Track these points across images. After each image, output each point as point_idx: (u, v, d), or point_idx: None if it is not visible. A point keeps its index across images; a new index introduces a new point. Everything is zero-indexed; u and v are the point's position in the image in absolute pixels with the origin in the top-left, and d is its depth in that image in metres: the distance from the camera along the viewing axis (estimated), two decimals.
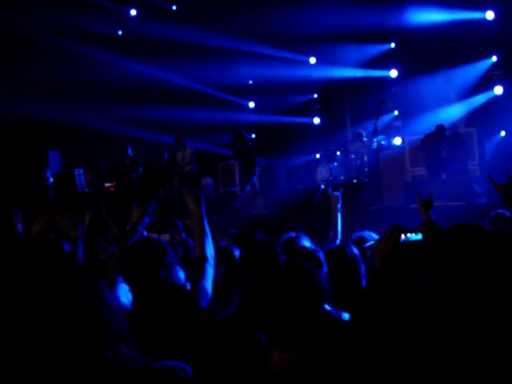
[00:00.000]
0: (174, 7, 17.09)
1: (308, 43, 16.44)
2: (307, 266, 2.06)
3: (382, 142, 13.88)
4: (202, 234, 3.55)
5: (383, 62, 16.47)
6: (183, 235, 8.04)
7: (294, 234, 4.72)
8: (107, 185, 16.70)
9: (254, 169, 13.62)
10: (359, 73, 16.48)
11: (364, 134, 14.38)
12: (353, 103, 17.31)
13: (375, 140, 12.79)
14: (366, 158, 13.56)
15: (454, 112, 14.02)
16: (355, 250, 3.95)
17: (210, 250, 3.52)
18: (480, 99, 14.12)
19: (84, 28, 16.59)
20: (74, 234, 3.71)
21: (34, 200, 14.26)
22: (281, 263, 3.09)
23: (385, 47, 16.57)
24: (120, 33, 18.28)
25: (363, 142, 14.04)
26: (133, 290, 3.03)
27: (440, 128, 11.62)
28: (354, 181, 13.27)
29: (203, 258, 3.46)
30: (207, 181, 16.79)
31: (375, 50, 16.51)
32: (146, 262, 3.05)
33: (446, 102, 14.58)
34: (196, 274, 3.43)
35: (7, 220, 4.56)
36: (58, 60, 16.35)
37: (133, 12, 17.36)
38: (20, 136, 16.92)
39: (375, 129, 12.03)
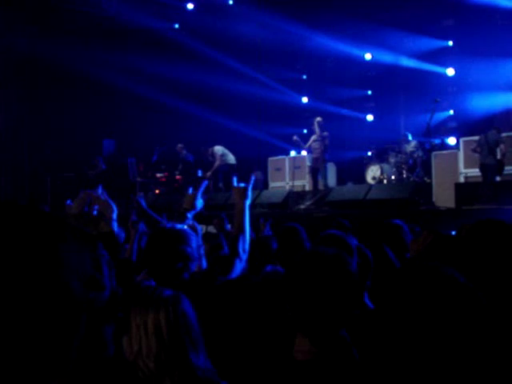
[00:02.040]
0: None
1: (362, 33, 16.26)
2: (342, 255, 2.03)
3: (436, 142, 13.66)
4: (240, 228, 3.47)
5: (440, 59, 16.23)
6: (228, 227, 8.09)
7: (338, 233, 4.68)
8: (159, 175, 16.98)
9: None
10: (414, 64, 16.27)
11: (409, 135, 14.16)
12: (407, 101, 17.09)
13: (428, 140, 12.59)
14: (418, 157, 13.37)
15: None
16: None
17: (243, 245, 3.44)
18: None
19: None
20: (109, 215, 3.75)
21: (88, 186, 14.60)
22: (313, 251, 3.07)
23: (442, 44, 16.33)
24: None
25: (412, 141, 13.82)
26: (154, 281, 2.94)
27: (496, 130, 11.39)
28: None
29: (234, 252, 3.40)
30: (257, 174, 16.87)
31: (432, 44, 16.28)
32: (161, 252, 2.97)
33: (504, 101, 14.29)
34: (224, 268, 3.38)
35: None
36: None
37: None
38: (75, 124, 17.37)
39: (428, 128, 11.85)
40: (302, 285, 1.91)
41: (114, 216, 3.79)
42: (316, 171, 13.36)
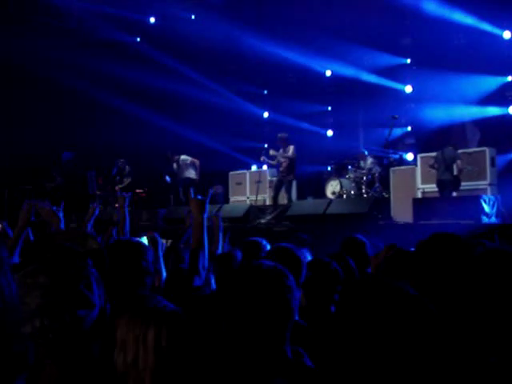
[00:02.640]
0: None
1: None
2: (277, 268, 1.97)
3: (394, 157, 13.90)
4: (199, 243, 3.44)
5: (398, 75, 16.55)
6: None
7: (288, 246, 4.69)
8: (138, 191, 16.80)
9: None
10: (374, 79, 16.52)
11: (365, 151, 14.40)
12: (366, 117, 17.33)
13: (387, 156, 12.81)
14: (377, 173, 13.57)
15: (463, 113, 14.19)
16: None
17: (202, 262, 3.42)
18: (492, 112, 14.25)
19: None
20: (55, 225, 3.70)
21: (46, 199, 14.36)
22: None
23: (400, 61, 16.67)
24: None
25: (368, 158, 14.02)
26: None
27: (452, 146, 11.66)
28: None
29: (194, 270, 3.38)
30: (218, 188, 16.88)
31: (391, 61, 16.59)
32: (115, 266, 2.89)
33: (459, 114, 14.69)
34: (183, 283, 3.38)
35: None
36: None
37: None
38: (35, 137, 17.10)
39: (387, 144, 12.05)
40: (233, 298, 1.88)
41: (61, 225, 3.77)
42: (280, 185, 13.35)
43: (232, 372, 1.85)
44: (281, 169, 13.37)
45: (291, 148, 13.16)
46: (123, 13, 17.44)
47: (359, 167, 14.15)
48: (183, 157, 15.13)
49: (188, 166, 15.05)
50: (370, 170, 13.77)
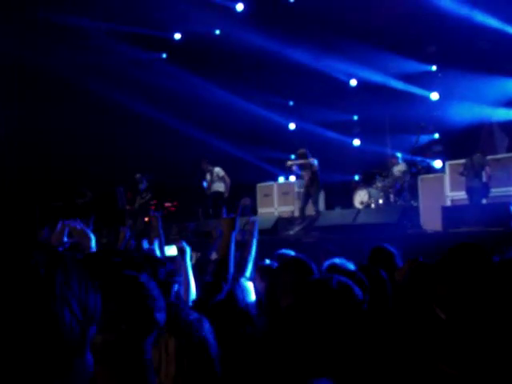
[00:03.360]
0: None
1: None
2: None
3: (422, 165, 13.79)
4: (224, 256, 3.49)
5: (424, 82, 16.50)
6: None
7: (338, 261, 4.66)
8: (167, 204, 16.94)
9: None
10: (401, 86, 16.49)
11: (399, 157, 14.27)
12: (393, 125, 17.26)
13: (414, 164, 12.76)
14: (405, 181, 13.50)
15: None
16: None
17: (224, 275, 3.47)
18: None
19: None
20: (86, 244, 3.77)
21: (77, 215, 14.55)
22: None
23: (426, 68, 16.62)
24: None
25: (401, 164, 13.92)
26: None
27: (480, 153, 11.58)
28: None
29: (222, 277, 3.47)
30: (246, 201, 16.93)
31: (417, 68, 16.55)
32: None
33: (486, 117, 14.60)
34: (211, 292, 3.43)
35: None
36: None
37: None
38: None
39: (414, 152, 12.00)
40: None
41: (92, 244, 3.84)
42: (307, 196, 13.36)
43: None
44: (305, 183, 13.45)
45: (312, 161, 13.21)
46: (148, 31, 17.79)
47: (387, 176, 14.10)
48: (217, 169, 15.19)
49: (220, 179, 15.11)
50: (398, 178, 13.69)
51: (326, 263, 4.30)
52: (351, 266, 4.37)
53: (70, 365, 1.00)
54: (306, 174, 13.25)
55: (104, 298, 1.09)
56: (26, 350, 0.94)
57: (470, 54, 14.52)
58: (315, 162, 13.16)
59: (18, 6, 15.64)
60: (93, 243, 3.80)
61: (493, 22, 14.07)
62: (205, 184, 15.38)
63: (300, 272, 3.21)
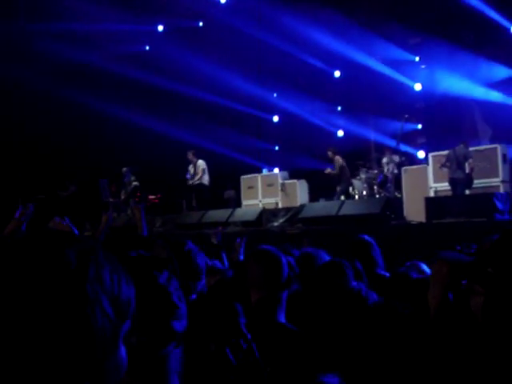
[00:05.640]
0: None
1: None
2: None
3: (403, 159, 13.80)
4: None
5: (407, 72, 16.55)
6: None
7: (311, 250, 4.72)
8: (151, 197, 16.93)
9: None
10: (387, 71, 16.53)
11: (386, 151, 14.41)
12: (377, 115, 17.28)
13: (397, 156, 12.82)
14: (389, 172, 13.54)
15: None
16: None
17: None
18: (495, 97, 14.54)
19: None
20: None
21: (60, 208, 14.49)
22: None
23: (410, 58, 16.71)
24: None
25: (389, 156, 13.97)
26: None
27: (463, 144, 11.63)
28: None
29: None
30: (230, 193, 16.92)
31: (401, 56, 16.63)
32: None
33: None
34: None
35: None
36: None
37: None
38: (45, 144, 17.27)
39: (398, 143, 12.04)
40: None
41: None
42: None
43: None
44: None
45: (338, 159, 14.11)
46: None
47: (371, 167, 14.16)
48: (200, 161, 15.21)
49: (204, 171, 15.12)
50: (383, 168, 13.75)
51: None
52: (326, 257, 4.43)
53: (101, 364, 0.98)
54: (334, 172, 14.23)
55: None
56: (55, 352, 0.92)
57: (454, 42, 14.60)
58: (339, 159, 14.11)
59: None
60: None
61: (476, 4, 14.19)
62: (188, 176, 15.36)
63: (268, 264, 3.06)
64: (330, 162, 14.55)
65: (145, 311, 1.54)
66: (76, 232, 3.82)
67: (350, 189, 14.10)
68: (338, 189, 14.19)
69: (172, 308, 1.63)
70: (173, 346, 1.62)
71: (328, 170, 14.40)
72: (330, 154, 14.41)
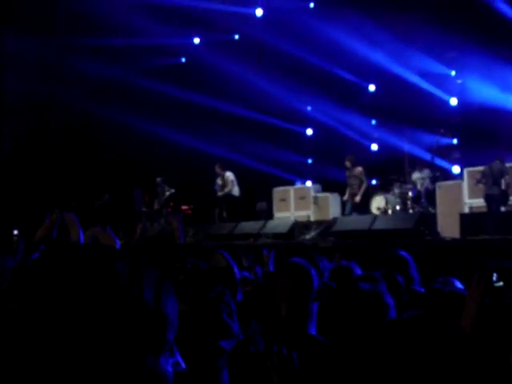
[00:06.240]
0: None
1: None
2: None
3: (437, 174, 13.64)
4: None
5: (443, 86, 16.42)
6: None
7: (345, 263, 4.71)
8: (184, 207, 17.08)
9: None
10: (423, 84, 16.42)
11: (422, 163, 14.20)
12: (412, 131, 17.12)
13: (432, 170, 12.70)
14: (422, 188, 13.39)
15: None
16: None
17: None
18: None
19: None
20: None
21: (94, 216, 14.68)
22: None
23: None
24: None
25: (421, 171, 13.82)
26: None
27: (500, 160, 11.47)
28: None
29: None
30: (262, 205, 16.93)
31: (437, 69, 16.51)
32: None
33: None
34: None
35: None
36: None
37: None
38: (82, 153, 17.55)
39: (433, 159, 11.92)
40: None
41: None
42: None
43: None
44: (351, 190, 13.92)
45: (358, 169, 13.86)
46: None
47: (405, 182, 14.03)
48: (228, 173, 15.26)
49: (233, 182, 15.17)
50: (416, 184, 13.59)
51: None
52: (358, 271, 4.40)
53: (142, 363, 0.99)
54: (354, 183, 13.97)
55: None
56: (107, 349, 0.95)
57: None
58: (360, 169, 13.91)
59: None
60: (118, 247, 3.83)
61: None
62: (216, 188, 15.45)
63: (298, 276, 3.07)
64: (347, 170, 14.14)
65: (194, 328, 1.55)
66: (117, 242, 3.85)
67: (383, 203, 13.94)
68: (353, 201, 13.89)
69: (222, 327, 1.61)
70: (222, 363, 1.59)
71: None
72: (347, 163, 14.00)
